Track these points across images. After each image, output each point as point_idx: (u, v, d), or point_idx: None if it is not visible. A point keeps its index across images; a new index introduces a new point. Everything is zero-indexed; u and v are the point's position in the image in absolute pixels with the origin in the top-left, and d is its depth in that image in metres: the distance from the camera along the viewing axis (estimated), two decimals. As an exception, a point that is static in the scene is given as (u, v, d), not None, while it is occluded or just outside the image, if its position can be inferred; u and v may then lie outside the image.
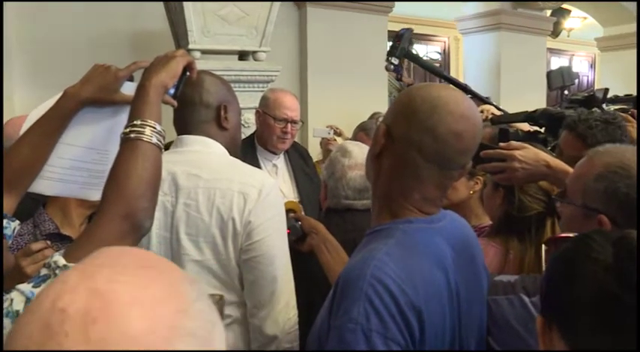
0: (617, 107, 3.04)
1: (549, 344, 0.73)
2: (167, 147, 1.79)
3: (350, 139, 3.21)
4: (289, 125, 2.42)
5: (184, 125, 1.42)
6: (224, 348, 0.51)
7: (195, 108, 1.39)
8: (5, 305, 0.82)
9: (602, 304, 0.66)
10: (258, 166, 2.34)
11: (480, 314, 1.11)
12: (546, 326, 0.73)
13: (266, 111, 2.44)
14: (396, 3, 4.96)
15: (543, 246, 1.41)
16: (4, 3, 3.24)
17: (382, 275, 0.91)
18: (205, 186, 1.32)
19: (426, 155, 0.99)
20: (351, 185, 1.72)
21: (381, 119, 3.11)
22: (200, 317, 0.49)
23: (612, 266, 0.67)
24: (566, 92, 5.32)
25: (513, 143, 1.45)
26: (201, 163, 1.36)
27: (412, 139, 0.99)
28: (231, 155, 1.44)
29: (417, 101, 1.00)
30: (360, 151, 1.77)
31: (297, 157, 2.59)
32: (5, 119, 2.23)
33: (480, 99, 2.93)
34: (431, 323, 0.94)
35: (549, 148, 1.86)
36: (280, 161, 2.52)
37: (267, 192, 1.34)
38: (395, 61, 2.89)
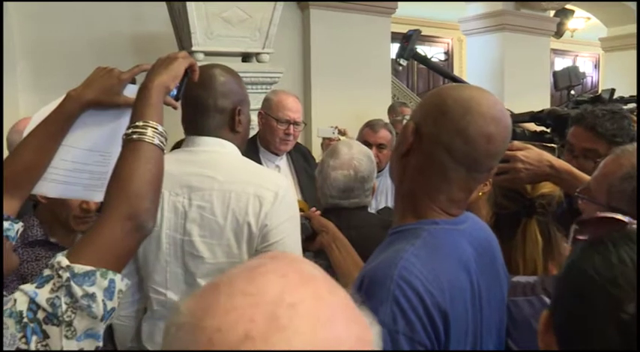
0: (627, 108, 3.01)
1: (549, 342, 0.70)
2: (179, 145, 1.76)
3: (355, 138, 3.20)
4: (292, 127, 2.41)
5: (196, 129, 1.39)
6: None
7: (209, 114, 1.37)
8: (9, 305, 0.81)
9: None
10: (260, 168, 2.33)
11: (499, 317, 1.10)
12: (550, 327, 0.70)
13: (268, 112, 2.43)
14: (400, 4, 4.95)
15: (574, 225, 1.32)
16: (7, 4, 3.25)
17: (410, 276, 0.90)
18: (220, 188, 1.31)
19: (455, 156, 0.97)
20: (334, 185, 1.70)
21: (407, 116, 3.02)
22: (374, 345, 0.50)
23: (631, 324, 0.55)
24: (572, 92, 5.28)
25: (516, 143, 1.42)
26: (215, 164, 1.35)
27: (442, 140, 0.97)
28: None
29: (449, 101, 0.98)
30: (347, 151, 1.73)
31: (300, 158, 2.58)
32: (9, 122, 2.24)
33: None
34: (455, 325, 0.93)
35: (557, 147, 1.83)
36: (283, 162, 2.51)
37: (283, 194, 1.33)
38: (404, 62, 2.88)
